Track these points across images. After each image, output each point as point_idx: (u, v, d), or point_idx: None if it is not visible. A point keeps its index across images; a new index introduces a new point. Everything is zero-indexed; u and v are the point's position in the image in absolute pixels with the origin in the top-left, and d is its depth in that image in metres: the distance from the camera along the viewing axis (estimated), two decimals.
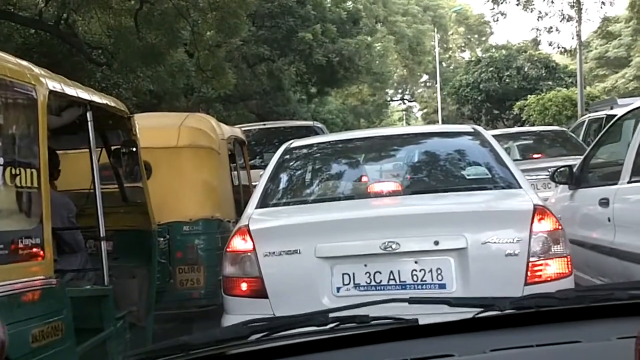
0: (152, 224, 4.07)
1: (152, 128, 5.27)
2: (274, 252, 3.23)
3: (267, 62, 24.15)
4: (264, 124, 11.29)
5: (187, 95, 20.49)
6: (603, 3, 12.60)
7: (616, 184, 4.57)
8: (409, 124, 59.31)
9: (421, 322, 1.28)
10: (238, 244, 3.33)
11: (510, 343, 1.16)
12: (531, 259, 3.08)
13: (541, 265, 3.09)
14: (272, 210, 3.72)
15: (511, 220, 3.24)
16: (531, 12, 12.81)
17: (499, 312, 1.27)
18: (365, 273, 3.14)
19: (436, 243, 3.11)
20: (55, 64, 11.39)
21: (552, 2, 12.51)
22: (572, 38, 13.06)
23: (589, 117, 12.85)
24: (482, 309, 1.29)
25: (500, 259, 3.09)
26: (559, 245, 3.15)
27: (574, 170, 5.35)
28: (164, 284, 4.66)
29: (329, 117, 33.44)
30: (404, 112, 58.41)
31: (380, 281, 3.09)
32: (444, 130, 4.81)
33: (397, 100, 54.73)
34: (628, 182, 4.40)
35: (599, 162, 5.48)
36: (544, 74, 34.28)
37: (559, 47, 13.24)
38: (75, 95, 3.12)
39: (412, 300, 1.53)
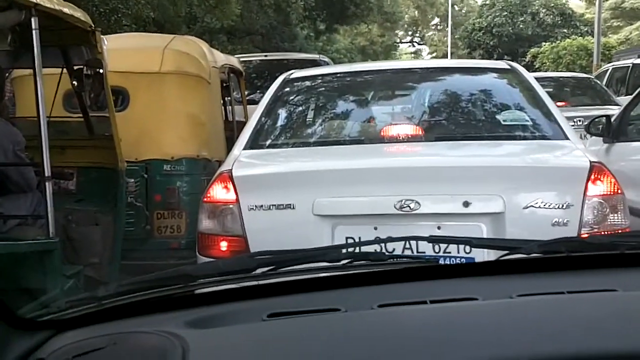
0: (119, 162, 3.42)
1: (132, 49, 4.58)
2: (261, 206, 2.60)
3: None
4: (266, 55, 10.53)
5: (190, 25, 19.65)
6: None
7: None
8: None
9: (441, 262, 1.17)
10: (217, 193, 2.71)
11: (538, 289, 1.06)
12: (583, 230, 2.47)
13: None
14: (263, 152, 3.07)
15: (561, 180, 2.60)
16: None
17: (526, 256, 1.20)
18: (375, 238, 2.49)
19: (466, 204, 2.48)
20: None
21: None
22: None
23: (613, 65, 12.25)
24: (507, 252, 1.23)
25: (545, 228, 2.46)
26: (617, 214, 2.52)
27: (613, 121, 4.77)
28: (138, 231, 4.06)
29: (337, 56, 32.67)
30: (413, 55, 57.45)
31: (393, 250, 2.45)
32: (474, 66, 4.07)
33: (407, 43, 53.69)
34: None
35: None
36: (559, 21, 33.76)
37: None
38: None
39: (431, 239, 1.38)
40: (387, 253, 1.22)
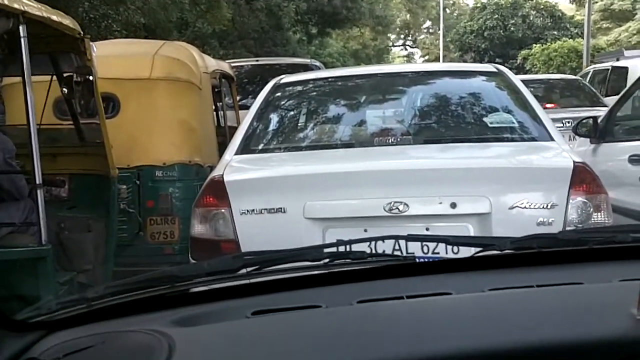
0: (111, 168, 3.44)
1: (122, 56, 4.60)
2: (253, 210, 2.64)
3: None
4: (257, 60, 10.55)
5: (181, 30, 19.63)
6: None
7: None
8: None
9: (418, 259, 1.25)
10: (210, 198, 2.74)
11: (509, 283, 1.12)
12: (568, 229, 2.50)
13: None
14: (254, 157, 3.10)
15: (546, 180, 2.65)
16: None
17: (499, 252, 1.25)
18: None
19: (453, 206, 2.53)
20: None
21: None
22: None
23: (594, 67, 12.42)
24: (481, 249, 1.27)
25: (531, 229, 2.48)
26: (601, 214, 2.57)
27: (599, 122, 4.82)
28: (131, 237, 4.08)
29: (329, 60, 32.70)
30: (406, 58, 57.56)
31: (383, 251, 2.50)
32: (462, 69, 4.11)
33: (399, 46, 53.86)
34: None
35: (630, 114, 4.95)
36: (549, 24, 33.91)
37: None
38: (1, 1, 2.46)
39: (409, 238, 1.43)
40: (368, 252, 1.25)
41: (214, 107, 5.56)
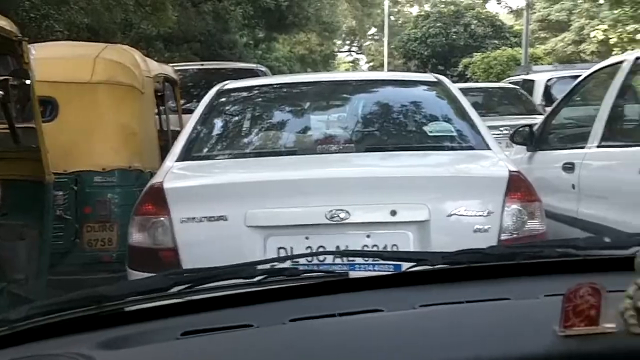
0: (46, 174, 3.35)
1: (63, 58, 4.49)
2: (193, 218, 2.61)
3: (213, 1, 23.03)
4: (202, 64, 10.47)
5: (125, 31, 19.27)
6: None
7: (583, 147, 4.16)
8: None
9: (352, 275, 1.25)
10: (149, 205, 2.70)
11: (440, 299, 1.14)
12: (503, 236, 2.60)
13: (514, 243, 2.59)
14: (195, 164, 3.08)
15: (482, 188, 2.73)
16: None
17: (431, 267, 1.27)
18: (307, 248, 2.58)
19: (393, 213, 2.57)
20: None
21: None
22: None
23: (509, 80, 13.18)
24: (414, 264, 1.28)
25: (468, 235, 2.58)
26: (535, 220, 2.66)
27: (535, 130, 4.95)
28: (67, 245, 3.98)
29: (276, 64, 32.66)
30: (351, 64, 58.02)
31: (324, 259, 2.51)
32: (403, 78, 4.18)
33: (345, 52, 54.29)
34: (598, 146, 3.99)
35: (562, 122, 5.10)
36: (490, 33, 34.73)
37: (506, 6, 13.05)
38: None
39: (344, 253, 1.40)
40: (301, 268, 1.24)
41: (156, 112, 5.49)
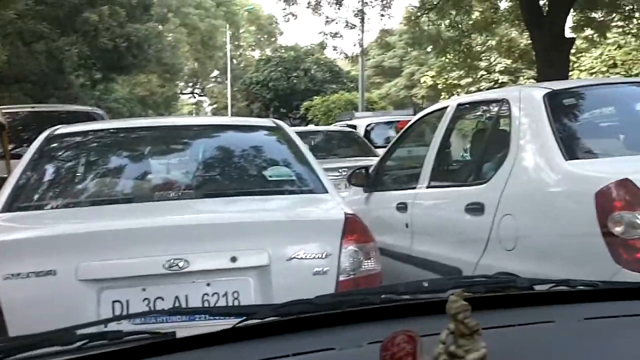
0: None
1: None
2: (18, 274, 2.43)
3: (47, 40, 21.96)
4: (33, 107, 9.91)
5: None
6: (382, 15, 13.33)
7: (414, 188, 4.42)
8: None
9: (179, 334, 1.20)
10: None
11: (267, 353, 1.12)
12: (341, 277, 2.67)
13: (351, 284, 2.68)
14: (23, 215, 2.89)
15: (320, 231, 2.80)
16: (319, 16, 13.07)
17: (260, 321, 1.25)
18: (144, 300, 2.48)
19: (233, 260, 2.56)
20: None
21: (339, 8, 12.89)
22: (355, 45, 13.68)
23: (335, 124, 14.28)
24: (244, 318, 1.26)
25: (307, 278, 2.63)
26: (370, 260, 2.77)
27: (370, 172, 5.17)
28: None
29: (115, 105, 31.67)
30: (194, 106, 57.63)
31: (163, 310, 2.45)
32: (243, 124, 4.19)
33: (188, 94, 53.89)
34: (427, 187, 4.26)
35: (396, 164, 5.38)
36: (328, 77, 36.16)
37: (342, 53, 13.72)
38: None
39: (171, 312, 1.40)
40: (125, 330, 1.19)
41: None
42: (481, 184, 3.62)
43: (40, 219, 2.92)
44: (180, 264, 2.50)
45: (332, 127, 13.34)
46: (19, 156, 6.41)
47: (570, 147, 3.15)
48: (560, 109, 3.41)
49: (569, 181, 3.04)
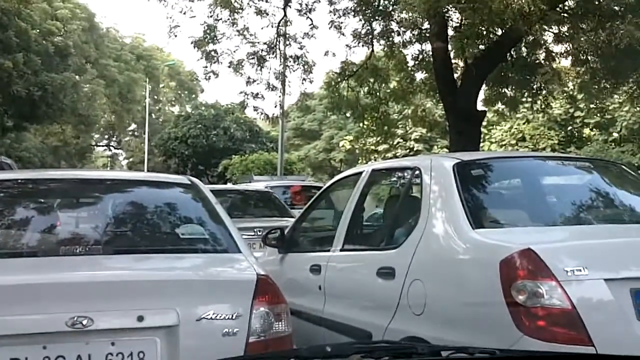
0: None
1: None
2: None
3: None
4: None
5: None
6: (304, 79, 13.64)
7: (329, 250, 4.46)
8: None
9: None
10: None
11: None
12: (251, 339, 2.65)
13: (261, 346, 2.66)
14: None
15: (231, 292, 2.78)
16: (241, 76, 13.21)
17: None
18: (44, 358, 2.40)
19: (140, 319, 2.51)
20: None
21: (260, 70, 13.10)
22: (275, 107, 13.84)
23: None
24: None
25: (217, 339, 2.59)
26: (281, 323, 2.77)
27: (286, 233, 5.18)
28: None
29: (26, 154, 30.59)
30: (110, 159, 56.34)
31: None
32: (156, 180, 4.14)
33: (103, 146, 52.72)
34: (341, 250, 4.31)
35: (311, 226, 5.41)
36: (248, 137, 36.32)
37: (263, 113, 13.88)
38: None
39: None
40: None
41: None
42: (393, 248, 3.70)
43: None
44: (84, 322, 2.44)
45: (249, 187, 13.34)
46: None
47: (477, 216, 3.29)
48: (469, 179, 3.56)
49: (475, 249, 3.15)
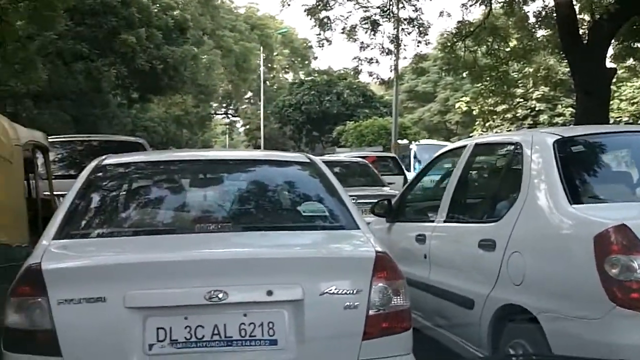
0: None
1: None
2: (72, 300, 2.64)
3: (86, 60, 22.72)
4: (81, 137, 10.45)
5: None
6: (419, 42, 13.34)
7: (433, 221, 4.63)
8: (232, 139, 59.22)
9: None
10: (26, 287, 2.71)
11: None
12: (370, 312, 2.82)
13: (380, 319, 2.84)
14: (74, 242, 3.08)
15: (351, 268, 2.96)
16: (354, 42, 13.18)
17: None
18: (185, 327, 2.70)
19: (269, 293, 2.75)
20: None
21: (374, 34, 12.98)
22: (390, 70, 13.70)
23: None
24: None
25: (339, 312, 2.81)
26: (399, 297, 2.90)
27: (393, 203, 5.38)
28: None
29: (151, 124, 32.22)
30: (228, 127, 58.27)
31: (203, 337, 2.68)
32: (277, 159, 4.29)
33: (221, 114, 54.56)
34: (444, 221, 4.47)
35: (417, 197, 5.58)
36: (361, 102, 36.18)
37: (378, 78, 13.78)
38: None
39: None
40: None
41: (26, 180, 5.42)
42: (494, 221, 3.83)
43: (90, 248, 3.12)
44: (220, 296, 2.69)
45: (347, 158, 13.56)
46: (62, 177, 6.75)
47: (575, 192, 3.35)
48: (569, 155, 3.61)
49: (571, 224, 3.24)
